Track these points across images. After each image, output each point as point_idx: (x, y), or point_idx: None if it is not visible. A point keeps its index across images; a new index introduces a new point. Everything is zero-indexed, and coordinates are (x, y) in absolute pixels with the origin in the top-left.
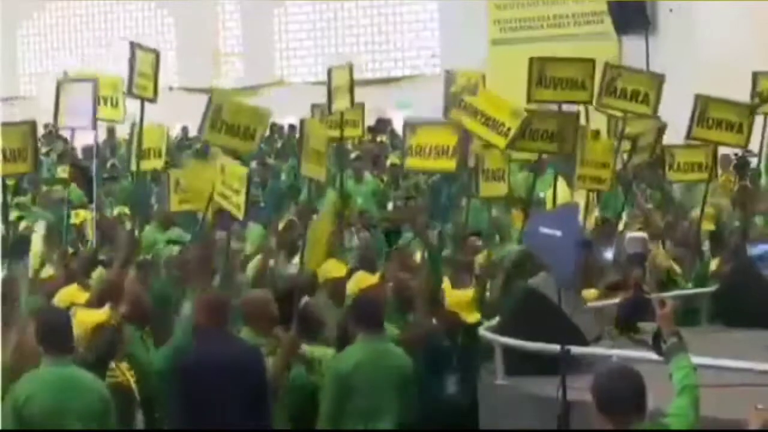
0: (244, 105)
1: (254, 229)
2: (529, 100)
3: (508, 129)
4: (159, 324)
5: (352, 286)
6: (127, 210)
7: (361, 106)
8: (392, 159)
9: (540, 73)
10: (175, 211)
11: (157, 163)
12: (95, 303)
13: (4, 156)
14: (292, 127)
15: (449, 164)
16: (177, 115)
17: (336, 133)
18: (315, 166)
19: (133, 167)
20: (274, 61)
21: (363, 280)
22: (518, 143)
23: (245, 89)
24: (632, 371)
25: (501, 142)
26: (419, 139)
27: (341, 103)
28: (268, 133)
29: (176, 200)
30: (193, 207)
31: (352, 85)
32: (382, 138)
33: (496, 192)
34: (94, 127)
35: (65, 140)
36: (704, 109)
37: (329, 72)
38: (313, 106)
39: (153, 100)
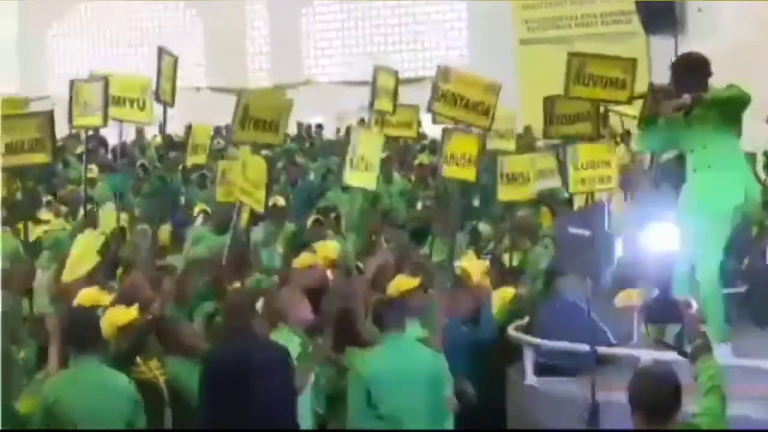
0: (268, 99)
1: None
2: (565, 95)
3: (487, 107)
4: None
5: (392, 289)
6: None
7: (416, 108)
8: (421, 159)
9: (579, 69)
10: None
11: (202, 159)
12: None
13: (22, 146)
14: (319, 126)
15: (469, 173)
16: (204, 115)
17: (389, 132)
18: (363, 174)
19: (188, 162)
20: (301, 61)
21: (403, 284)
22: (548, 130)
23: (273, 89)
24: (669, 371)
25: (485, 122)
26: (453, 146)
27: (383, 105)
28: (296, 131)
29: (221, 192)
30: (235, 199)
31: (396, 90)
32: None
33: (517, 196)
34: (106, 124)
35: (103, 141)
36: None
37: (375, 70)
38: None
39: (170, 104)
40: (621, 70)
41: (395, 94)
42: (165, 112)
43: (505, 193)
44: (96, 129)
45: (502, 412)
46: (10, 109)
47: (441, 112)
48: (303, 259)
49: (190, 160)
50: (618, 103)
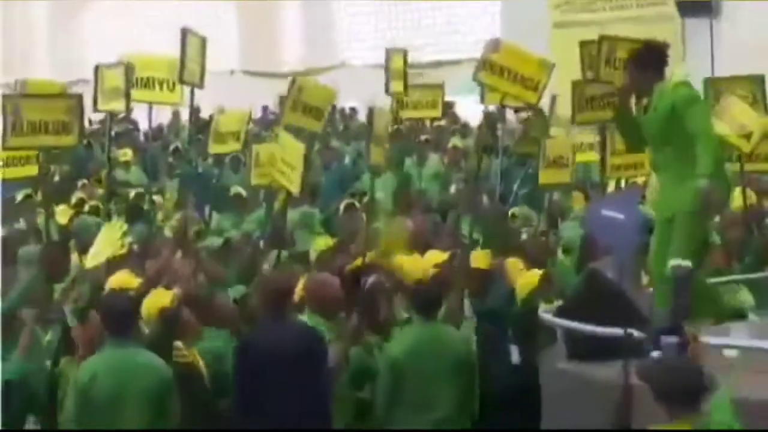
0: (320, 86)
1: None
2: (596, 79)
3: (537, 83)
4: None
5: (425, 263)
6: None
7: (441, 86)
8: (454, 142)
9: (609, 52)
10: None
11: (236, 147)
12: (148, 287)
13: (47, 127)
14: (353, 109)
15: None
16: (238, 98)
17: (412, 114)
18: (380, 151)
19: (211, 150)
20: (335, 45)
21: (433, 258)
22: (578, 116)
23: (306, 72)
24: (686, 365)
25: (533, 97)
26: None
27: (395, 86)
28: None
29: (256, 174)
30: (269, 181)
31: (405, 70)
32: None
33: (557, 179)
34: (128, 110)
35: (134, 123)
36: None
37: (387, 53)
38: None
39: (200, 87)
40: None
41: (405, 74)
42: (192, 93)
43: (546, 177)
44: (128, 114)
45: (529, 396)
46: (43, 91)
47: (486, 82)
48: (320, 242)
49: (217, 149)
50: None
